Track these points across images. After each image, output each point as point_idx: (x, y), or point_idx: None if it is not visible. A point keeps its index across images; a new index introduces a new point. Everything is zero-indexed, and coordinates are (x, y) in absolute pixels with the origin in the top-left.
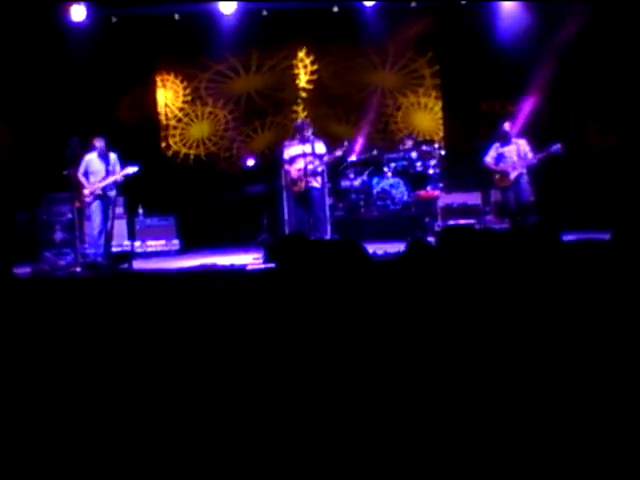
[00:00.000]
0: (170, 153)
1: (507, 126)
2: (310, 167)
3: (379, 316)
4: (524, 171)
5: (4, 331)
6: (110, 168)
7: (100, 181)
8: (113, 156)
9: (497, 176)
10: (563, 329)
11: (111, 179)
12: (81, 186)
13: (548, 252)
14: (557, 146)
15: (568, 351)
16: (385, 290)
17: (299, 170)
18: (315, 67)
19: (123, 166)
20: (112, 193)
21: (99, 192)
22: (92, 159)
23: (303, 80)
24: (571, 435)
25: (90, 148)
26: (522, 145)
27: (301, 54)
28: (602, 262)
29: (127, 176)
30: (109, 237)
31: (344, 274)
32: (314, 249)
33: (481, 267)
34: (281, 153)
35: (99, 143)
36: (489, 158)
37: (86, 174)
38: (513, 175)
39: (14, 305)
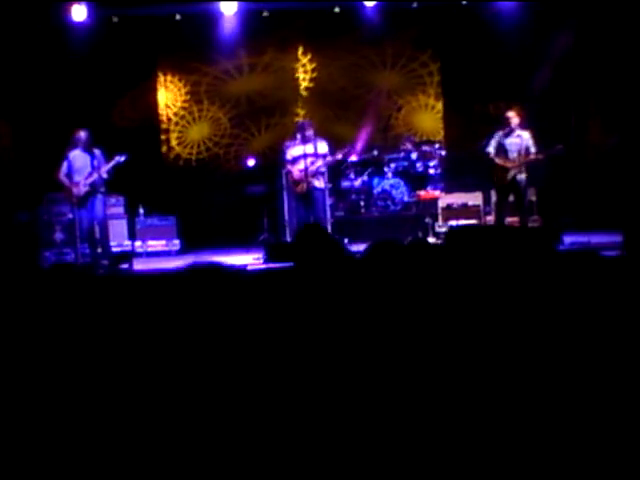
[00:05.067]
0: (171, 153)
1: (511, 114)
2: (312, 168)
3: (373, 316)
4: (523, 169)
5: (3, 331)
6: (95, 163)
7: (86, 178)
8: (97, 152)
9: (495, 175)
10: (562, 330)
11: (97, 174)
12: (66, 187)
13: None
14: (559, 147)
15: (567, 352)
16: (376, 289)
17: (301, 171)
18: (316, 67)
19: (108, 162)
20: (102, 190)
21: (87, 189)
22: (75, 155)
23: (304, 80)
24: (569, 435)
25: (72, 144)
26: (525, 139)
27: (302, 54)
28: (605, 269)
29: (117, 165)
30: (105, 236)
31: (333, 272)
32: (333, 247)
33: (484, 265)
34: (283, 153)
35: (82, 135)
36: (491, 149)
37: (70, 172)
38: (511, 174)
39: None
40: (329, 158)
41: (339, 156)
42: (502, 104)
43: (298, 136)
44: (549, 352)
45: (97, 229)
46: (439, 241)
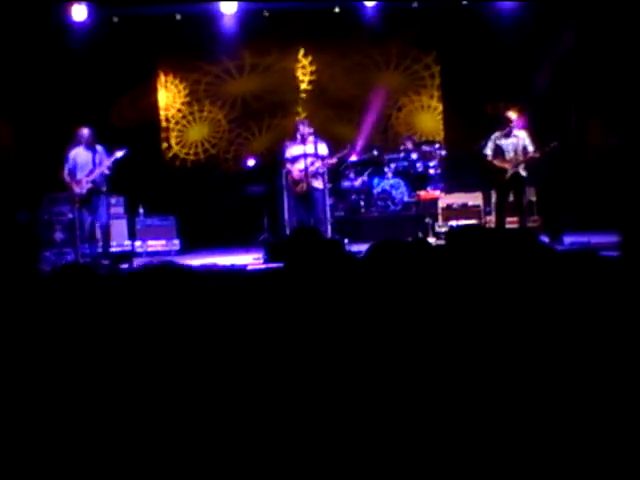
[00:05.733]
0: (170, 153)
1: (511, 115)
2: (311, 168)
3: (372, 317)
4: (521, 168)
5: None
6: (97, 160)
7: (88, 175)
8: (99, 148)
9: (494, 175)
10: (561, 330)
11: (98, 171)
12: (69, 186)
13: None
14: (554, 144)
15: (567, 353)
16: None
17: (300, 171)
18: (316, 68)
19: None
20: (104, 188)
21: (89, 187)
22: (78, 153)
23: (304, 81)
24: (567, 436)
25: (74, 142)
26: (522, 139)
27: (302, 55)
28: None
29: (117, 160)
30: (107, 235)
31: (333, 272)
32: (327, 248)
33: (485, 267)
34: (282, 153)
35: (84, 133)
36: (488, 151)
37: (74, 170)
38: (509, 174)
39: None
40: (327, 160)
41: (335, 159)
42: (501, 104)
43: (298, 136)
44: (549, 352)
45: (98, 230)
46: (439, 241)
